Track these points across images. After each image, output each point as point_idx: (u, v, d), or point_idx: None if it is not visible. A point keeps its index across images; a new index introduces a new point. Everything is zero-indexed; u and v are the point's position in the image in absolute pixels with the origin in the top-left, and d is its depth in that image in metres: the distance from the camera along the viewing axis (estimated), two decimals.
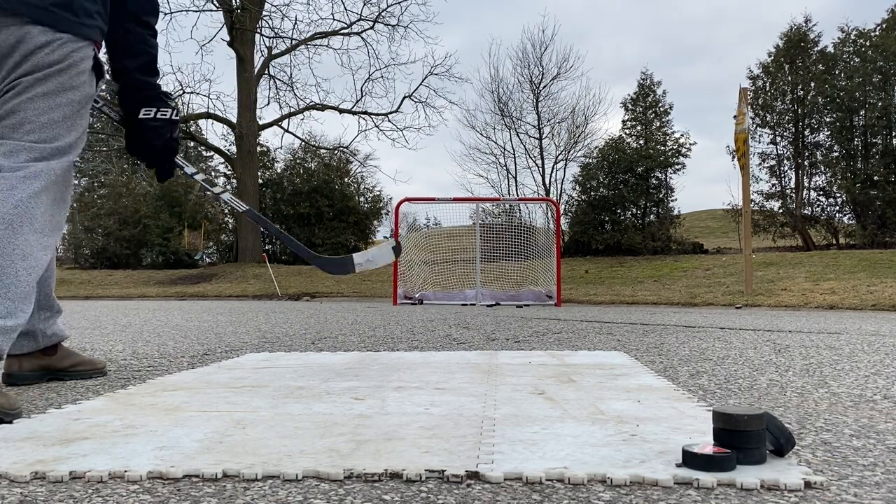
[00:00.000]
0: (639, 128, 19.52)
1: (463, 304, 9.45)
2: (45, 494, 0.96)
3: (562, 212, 18.75)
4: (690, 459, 1.05)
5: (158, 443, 1.21)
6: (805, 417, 1.49)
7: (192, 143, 25.76)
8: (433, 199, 11.40)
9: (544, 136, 21.28)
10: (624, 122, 19.76)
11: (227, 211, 23.56)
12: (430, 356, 2.63)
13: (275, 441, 1.22)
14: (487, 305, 9.13)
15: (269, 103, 30.65)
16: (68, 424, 1.37)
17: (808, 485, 0.97)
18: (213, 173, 28.14)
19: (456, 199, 13.25)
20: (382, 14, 21.02)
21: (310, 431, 1.30)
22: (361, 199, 22.27)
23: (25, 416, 1.49)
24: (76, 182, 31.43)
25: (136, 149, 2.07)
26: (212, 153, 25.07)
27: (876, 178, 15.86)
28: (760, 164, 17.70)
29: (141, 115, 1.99)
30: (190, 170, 2.22)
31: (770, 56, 17.62)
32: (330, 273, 2.38)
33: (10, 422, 1.41)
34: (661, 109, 19.40)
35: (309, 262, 2.33)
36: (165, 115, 2.01)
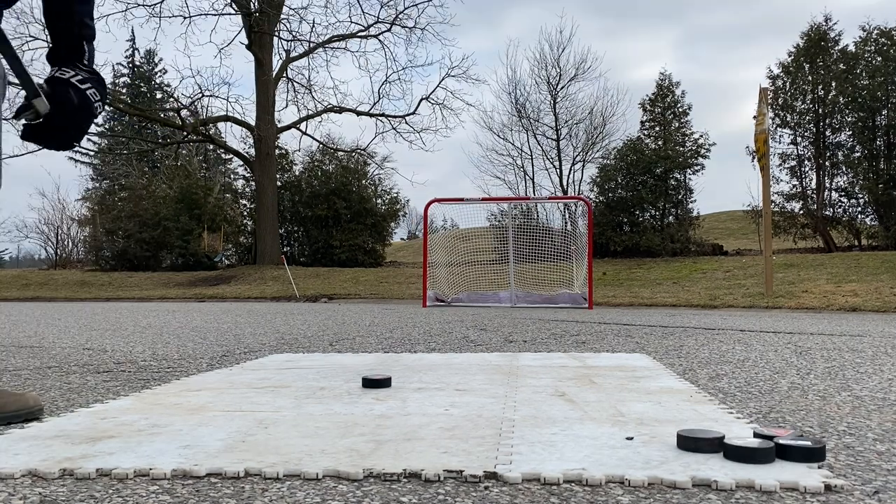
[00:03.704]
0: (657, 128, 19.40)
1: (498, 306, 9.18)
2: (67, 494, 0.97)
3: (583, 212, 18.65)
4: (733, 452, 1.08)
5: (183, 441, 1.23)
6: (827, 421, 1.48)
7: (211, 146, 25.99)
8: (461, 200, 11.22)
9: (562, 137, 21.24)
10: (642, 122, 19.66)
11: (245, 213, 23.74)
12: (452, 357, 2.64)
13: (296, 440, 1.23)
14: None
15: (287, 106, 30.90)
16: (96, 423, 1.40)
17: (828, 488, 0.97)
18: (231, 175, 28.37)
19: (485, 199, 13.17)
20: (399, 17, 21.10)
21: (331, 431, 1.31)
22: (378, 200, 22.33)
23: (55, 415, 1.52)
24: (97, 185, 31.78)
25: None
26: (231, 156, 25.28)
27: None
28: (781, 164, 17.51)
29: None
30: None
31: (790, 55, 17.44)
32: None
33: (39, 418, 1.44)
34: (680, 110, 19.27)
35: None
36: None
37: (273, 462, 1.09)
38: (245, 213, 23.89)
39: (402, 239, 36.83)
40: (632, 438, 1.23)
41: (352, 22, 21.74)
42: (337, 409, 1.54)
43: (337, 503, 0.93)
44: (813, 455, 1.07)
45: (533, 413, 1.49)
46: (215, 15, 20.25)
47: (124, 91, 35.03)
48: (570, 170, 21.22)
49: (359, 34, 21.58)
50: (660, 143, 18.99)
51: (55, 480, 1.04)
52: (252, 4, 20.35)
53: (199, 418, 1.44)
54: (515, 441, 1.22)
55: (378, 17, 21.33)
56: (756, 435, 1.15)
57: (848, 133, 16.96)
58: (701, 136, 18.92)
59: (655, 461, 1.08)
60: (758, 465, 1.05)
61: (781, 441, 1.09)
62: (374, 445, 1.19)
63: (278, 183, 21.79)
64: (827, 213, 17.03)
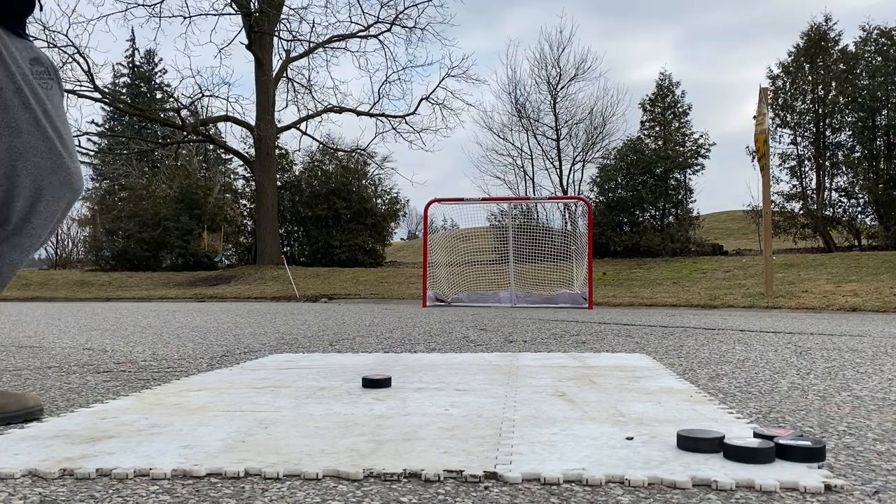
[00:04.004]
0: (657, 128, 19.41)
1: (498, 306, 9.17)
2: (67, 494, 0.97)
3: (583, 212, 18.66)
4: (733, 452, 1.08)
5: (183, 441, 1.23)
6: (827, 421, 1.48)
7: (211, 146, 25.99)
8: (461, 200, 11.23)
9: (562, 137, 21.24)
10: (642, 122, 19.67)
11: (245, 213, 23.75)
12: (452, 357, 2.64)
13: (296, 440, 1.23)
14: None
15: (287, 106, 30.93)
16: (96, 423, 1.40)
17: (828, 488, 0.97)
18: (231, 175, 28.38)
19: (485, 199, 13.18)
20: (399, 17, 21.10)
21: (331, 431, 1.31)
22: (378, 200, 22.32)
23: (55, 415, 1.52)
24: (97, 185, 31.78)
25: None
26: (231, 156, 25.29)
27: None
28: (781, 164, 17.52)
29: None
30: None
31: (790, 55, 17.44)
32: None
33: (39, 418, 1.44)
34: (680, 110, 19.28)
35: None
36: None
37: (273, 462, 1.09)
38: (245, 213, 23.89)
39: (402, 239, 36.89)
40: (632, 438, 1.23)
41: (352, 22, 21.74)
42: (337, 409, 1.54)
43: (337, 503, 0.93)
44: (813, 455, 1.07)
45: (533, 413, 1.49)
46: (215, 15, 20.25)
47: (124, 91, 35.04)
48: (570, 170, 21.24)
49: (359, 34, 21.58)
50: (660, 143, 19.00)
51: (55, 480, 1.03)
52: (252, 4, 20.35)
53: (200, 418, 1.44)
54: (515, 441, 1.22)
55: (378, 17, 21.33)
56: (756, 435, 1.15)
57: (848, 133, 16.97)
58: (701, 136, 18.93)
59: (655, 461, 1.08)
60: (758, 465, 1.05)
61: (781, 441, 1.09)
62: (374, 445, 1.20)
63: (278, 183, 21.79)
64: (827, 213, 17.04)
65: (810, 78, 17.19)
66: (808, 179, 17.59)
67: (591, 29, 70.79)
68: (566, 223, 15.58)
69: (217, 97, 32.95)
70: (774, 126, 17.12)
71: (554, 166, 21.41)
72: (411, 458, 1.11)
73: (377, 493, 0.97)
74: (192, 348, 3.28)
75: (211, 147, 26.39)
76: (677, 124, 19.35)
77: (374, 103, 22.23)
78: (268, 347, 3.30)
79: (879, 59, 16.32)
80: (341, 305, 10.47)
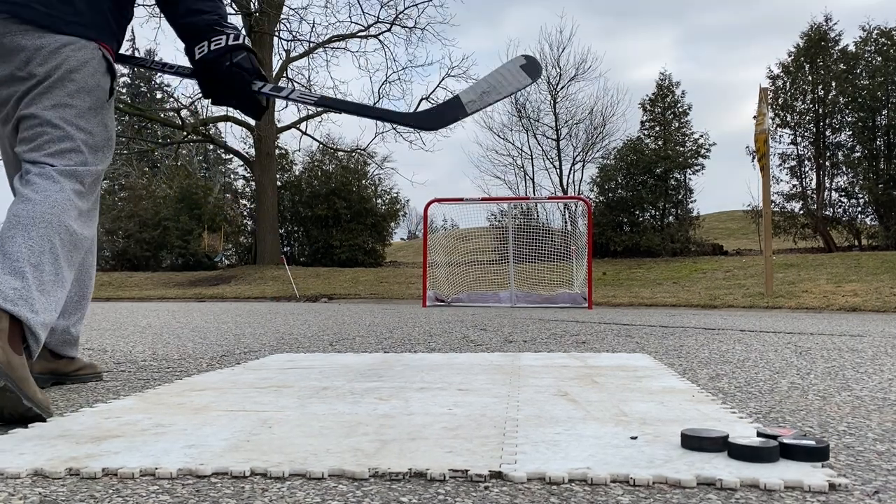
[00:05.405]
0: (657, 128, 19.42)
1: (498, 306, 9.18)
2: (67, 494, 0.97)
3: (583, 212, 18.66)
4: (737, 451, 1.08)
5: (188, 441, 1.23)
6: (827, 421, 1.49)
7: (211, 146, 25.98)
8: (461, 200, 11.25)
9: (562, 137, 21.26)
10: (642, 122, 19.68)
11: (245, 213, 23.75)
12: (453, 357, 2.64)
13: (301, 440, 1.24)
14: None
15: (287, 106, 30.88)
16: (99, 423, 1.40)
17: (832, 487, 0.98)
18: (231, 175, 28.37)
19: (485, 199, 13.21)
20: (399, 17, 21.11)
21: (335, 431, 1.31)
22: (378, 200, 22.32)
23: (58, 414, 1.53)
24: None
25: (209, 93, 1.79)
26: (231, 156, 25.27)
27: None
28: (781, 164, 17.54)
29: (196, 56, 1.73)
30: (269, 88, 1.82)
31: (790, 55, 17.45)
32: (431, 128, 1.82)
33: (45, 420, 1.44)
34: (680, 110, 19.29)
35: (405, 123, 1.92)
36: (220, 43, 1.71)
37: (279, 461, 1.09)
38: (245, 213, 23.89)
39: (402, 239, 36.91)
40: (636, 438, 1.24)
41: (352, 22, 21.78)
42: (340, 409, 1.54)
43: (337, 503, 0.93)
44: (817, 454, 1.08)
45: (536, 413, 1.49)
46: None
47: (124, 91, 35.03)
48: (570, 170, 21.27)
49: (359, 34, 21.59)
50: (660, 143, 19.01)
51: (56, 480, 1.04)
52: (252, 4, 20.35)
53: (203, 418, 1.44)
54: (520, 440, 1.23)
55: (378, 17, 21.36)
56: (759, 434, 1.16)
57: (848, 133, 16.98)
58: (701, 136, 18.96)
59: (660, 460, 1.09)
60: (762, 464, 1.05)
61: (785, 440, 1.10)
62: (378, 445, 1.20)
63: (278, 183, 21.78)
64: (827, 213, 17.05)
65: (810, 78, 17.21)
66: (808, 179, 17.61)
67: (591, 29, 70.95)
68: (566, 223, 15.60)
69: None
70: (774, 126, 17.14)
71: (554, 166, 21.44)
72: (416, 457, 1.11)
73: (377, 492, 0.97)
74: (192, 348, 3.29)
75: (211, 147, 26.38)
76: (677, 124, 19.37)
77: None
78: (268, 347, 3.31)
79: (879, 59, 16.33)
80: (341, 305, 10.47)
